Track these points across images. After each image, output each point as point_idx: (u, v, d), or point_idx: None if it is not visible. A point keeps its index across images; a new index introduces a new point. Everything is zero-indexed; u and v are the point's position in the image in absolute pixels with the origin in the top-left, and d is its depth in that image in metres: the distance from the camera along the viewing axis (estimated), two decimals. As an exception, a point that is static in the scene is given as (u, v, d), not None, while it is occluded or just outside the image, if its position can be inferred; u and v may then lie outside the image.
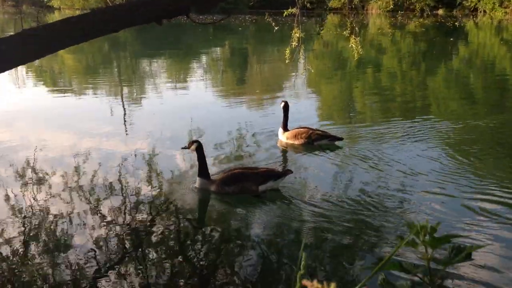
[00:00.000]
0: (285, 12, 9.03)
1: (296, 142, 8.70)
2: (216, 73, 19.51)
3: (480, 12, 59.92)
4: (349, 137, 9.38)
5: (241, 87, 16.65)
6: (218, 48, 29.05)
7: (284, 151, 8.74)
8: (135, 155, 8.04)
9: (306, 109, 12.24)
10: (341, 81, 18.05)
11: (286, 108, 8.89)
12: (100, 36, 3.18)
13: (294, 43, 8.51)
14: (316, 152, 8.44)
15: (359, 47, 8.83)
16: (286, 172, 6.88)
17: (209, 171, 6.79)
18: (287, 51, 8.70)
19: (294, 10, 8.35)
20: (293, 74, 18.86)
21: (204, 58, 24.57)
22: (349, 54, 24.49)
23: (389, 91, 15.77)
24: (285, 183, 6.89)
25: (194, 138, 6.76)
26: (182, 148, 6.85)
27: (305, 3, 8.77)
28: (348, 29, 9.05)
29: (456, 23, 45.18)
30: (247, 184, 6.58)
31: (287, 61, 8.95)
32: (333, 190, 6.81)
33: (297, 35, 8.37)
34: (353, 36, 8.79)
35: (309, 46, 24.34)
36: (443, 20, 47.74)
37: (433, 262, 1.34)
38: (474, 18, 55.53)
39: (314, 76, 17.28)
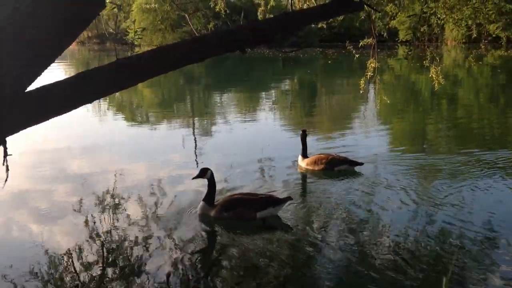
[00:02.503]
0: (361, 42, 9.02)
1: (316, 168, 8.71)
2: (285, 106, 19.63)
3: None
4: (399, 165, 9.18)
5: (311, 119, 16.59)
6: (287, 81, 29.34)
7: (304, 178, 8.72)
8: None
9: (377, 140, 11.95)
10: (414, 113, 17.51)
11: (304, 137, 9.05)
12: (187, 65, 3.31)
13: (369, 73, 8.42)
14: (336, 178, 8.38)
15: (440, 77, 8.55)
16: (285, 199, 6.71)
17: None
18: (362, 81, 8.62)
19: (370, 40, 8.31)
20: (364, 105, 18.58)
21: (273, 91, 24.87)
22: (422, 86, 23.92)
23: (464, 124, 15.02)
24: (293, 210, 6.82)
25: (205, 166, 6.98)
26: (193, 178, 6.91)
27: (382, 33, 8.71)
28: (428, 58, 8.80)
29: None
30: (245, 210, 6.49)
31: (361, 91, 8.88)
32: (346, 223, 6.49)
33: (373, 65, 8.30)
34: (433, 66, 8.55)
35: (380, 78, 23.93)
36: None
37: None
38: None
39: (386, 107, 16.89)
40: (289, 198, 6.77)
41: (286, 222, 6.63)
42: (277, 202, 6.65)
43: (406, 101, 20.10)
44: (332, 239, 6.02)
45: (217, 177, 8.58)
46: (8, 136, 2.95)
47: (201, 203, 6.79)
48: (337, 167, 8.67)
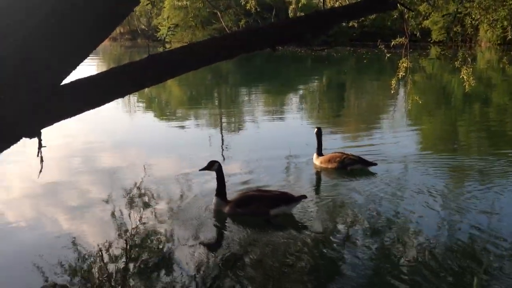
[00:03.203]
0: (393, 42, 8.92)
1: (330, 166, 8.80)
2: (313, 104, 19.55)
3: None
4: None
5: (339, 117, 16.47)
6: (316, 80, 29.16)
7: (318, 176, 8.77)
8: (231, 180, 8.19)
9: (404, 140, 11.77)
10: (444, 113, 17.17)
11: (319, 134, 9.10)
12: (217, 62, 3.34)
13: (401, 73, 8.32)
14: (350, 178, 8.39)
15: (471, 78, 8.38)
16: (300, 197, 6.63)
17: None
18: (394, 81, 8.52)
19: (402, 39, 8.21)
20: (394, 105, 18.32)
21: (301, 89, 24.77)
22: (454, 87, 23.39)
23: (496, 126, 14.60)
24: (308, 208, 6.82)
25: (214, 159, 6.92)
26: (201, 170, 6.86)
27: (414, 33, 8.60)
28: (459, 59, 8.64)
29: None
30: (259, 207, 6.47)
31: (392, 91, 8.80)
32: (359, 224, 6.40)
33: (405, 65, 8.19)
34: (465, 67, 8.39)
35: (412, 78, 23.51)
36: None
37: None
38: None
39: (416, 108, 16.61)
40: (303, 197, 6.71)
41: (299, 220, 6.59)
42: (291, 200, 6.62)
43: (437, 102, 19.71)
44: (345, 239, 5.97)
45: (236, 171, 8.75)
46: (43, 128, 3.04)
47: (215, 198, 6.79)
48: (350, 166, 8.71)
